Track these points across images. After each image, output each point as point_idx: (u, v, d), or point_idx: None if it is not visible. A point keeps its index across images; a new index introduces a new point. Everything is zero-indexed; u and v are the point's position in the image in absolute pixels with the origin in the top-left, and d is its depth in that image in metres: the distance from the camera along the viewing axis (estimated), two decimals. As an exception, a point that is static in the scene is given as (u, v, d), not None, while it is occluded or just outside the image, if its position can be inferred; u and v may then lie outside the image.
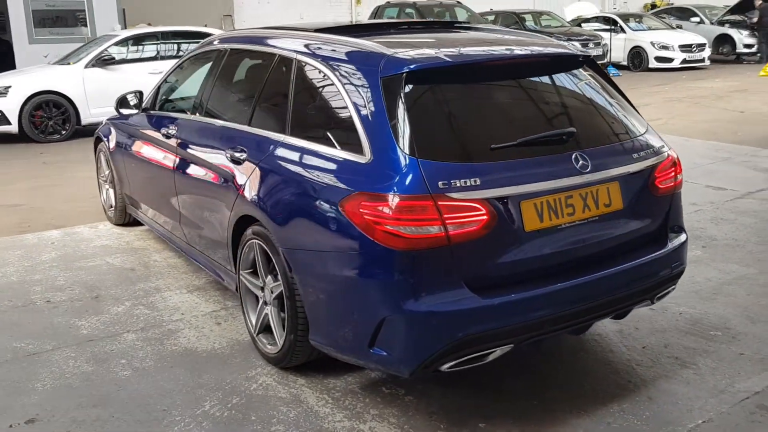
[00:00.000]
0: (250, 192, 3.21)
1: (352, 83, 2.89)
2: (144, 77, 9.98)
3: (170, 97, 4.64)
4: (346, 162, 2.75)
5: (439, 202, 2.50)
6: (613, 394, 2.98)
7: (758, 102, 11.77)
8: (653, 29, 18.88)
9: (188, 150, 3.93)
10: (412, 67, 2.77)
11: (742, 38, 19.45)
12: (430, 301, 2.54)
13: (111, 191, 5.55)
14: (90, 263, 4.77)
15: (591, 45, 17.11)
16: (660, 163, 3.06)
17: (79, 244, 5.18)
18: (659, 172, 3.05)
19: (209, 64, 4.11)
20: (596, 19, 19.89)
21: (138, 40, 10.37)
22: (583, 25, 19.20)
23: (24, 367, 3.33)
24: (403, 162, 2.57)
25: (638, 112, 3.25)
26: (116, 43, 10.07)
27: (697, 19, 20.74)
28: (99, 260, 4.82)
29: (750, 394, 2.94)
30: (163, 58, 10.26)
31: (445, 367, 2.62)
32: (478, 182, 2.56)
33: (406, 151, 2.59)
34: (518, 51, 3.08)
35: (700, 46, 17.81)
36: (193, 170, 3.85)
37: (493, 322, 2.59)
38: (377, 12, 16.60)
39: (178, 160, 4.03)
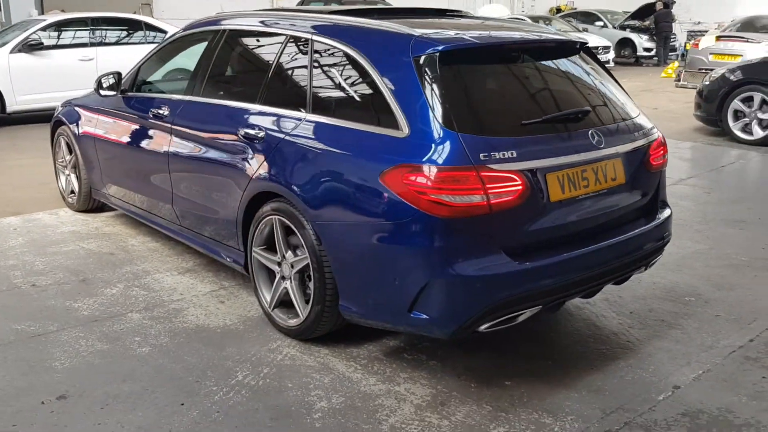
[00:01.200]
0: (271, 169, 3.27)
1: (381, 63, 3.01)
2: (74, 63, 9.65)
3: (154, 79, 4.58)
4: (383, 137, 2.88)
5: (482, 173, 2.68)
6: (616, 352, 3.26)
7: (666, 100, 12.67)
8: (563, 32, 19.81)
9: (186, 131, 3.91)
10: (441, 47, 2.93)
11: (642, 42, 20.78)
12: (472, 265, 2.72)
13: (73, 177, 5.39)
14: (65, 248, 4.64)
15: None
16: (653, 142, 3.37)
17: (45, 230, 5.01)
18: (652, 150, 3.35)
19: (203, 45, 4.10)
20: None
21: (66, 25, 9.95)
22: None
23: (33, 348, 3.26)
24: (444, 136, 2.73)
25: (630, 97, 3.55)
26: (43, 28, 9.63)
27: (600, 23, 21.96)
28: (73, 245, 4.70)
29: (735, 348, 3.29)
30: (93, 44, 9.90)
31: (482, 327, 2.80)
32: (515, 155, 2.76)
33: (445, 125, 2.75)
34: (531, 36, 3.32)
35: (605, 48, 18.84)
36: (193, 151, 3.85)
37: (526, 285, 2.80)
38: (302, 3, 16.57)
39: (173, 141, 4.00)
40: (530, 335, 3.43)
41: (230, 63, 4.03)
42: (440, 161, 2.69)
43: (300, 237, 3.16)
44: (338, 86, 3.27)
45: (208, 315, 3.63)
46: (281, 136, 3.27)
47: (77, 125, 5.12)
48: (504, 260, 2.76)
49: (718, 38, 14.71)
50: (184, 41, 4.42)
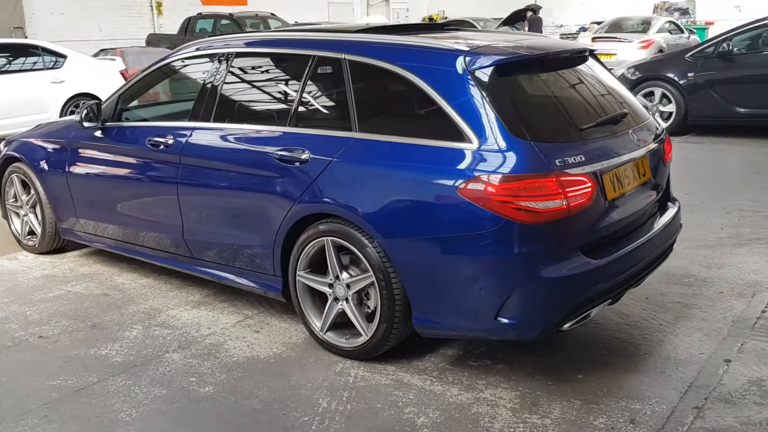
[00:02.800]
0: (321, 191, 3.23)
1: (435, 78, 3.06)
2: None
3: (141, 107, 4.36)
4: (452, 150, 2.93)
5: (561, 178, 2.81)
6: (656, 336, 3.49)
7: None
8: (443, 39, 20.51)
9: (200, 159, 3.76)
10: (495, 60, 3.04)
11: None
12: (557, 267, 2.84)
13: (32, 217, 5.01)
14: (50, 294, 4.30)
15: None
16: (665, 139, 3.65)
17: (15, 277, 4.62)
18: (666, 146, 3.64)
19: (205, 69, 3.97)
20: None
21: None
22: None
23: (86, 403, 3.02)
24: (518, 145, 2.84)
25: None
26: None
27: (476, 29, 22.88)
28: (57, 290, 4.37)
29: (756, 317, 3.63)
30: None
31: (565, 326, 2.94)
32: (583, 159, 2.91)
33: (516, 134, 2.86)
34: (560, 47, 3.50)
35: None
36: (212, 179, 3.71)
37: (601, 281, 2.96)
38: (188, 24, 16.12)
39: (183, 170, 3.83)
40: (567, 334, 3.58)
41: (245, 86, 3.92)
42: (522, 169, 2.79)
43: (362, 256, 3.15)
44: (385, 104, 3.29)
45: (251, 346, 3.52)
46: (329, 157, 3.24)
47: (39, 161, 4.76)
48: (583, 260, 2.90)
49: (594, 39, 15.88)
50: (174, 67, 4.25)
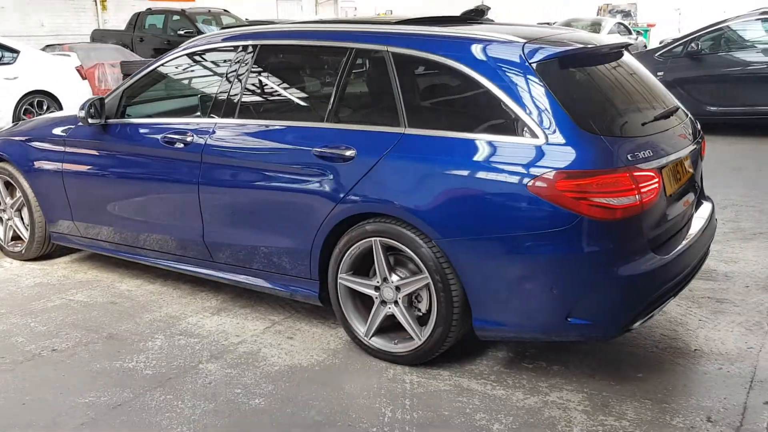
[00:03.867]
0: (370, 189, 3.07)
1: (493, 71, 2.94)
2: None
3: (150, 104, 4.09)
4: (518, 145, 2.82)
5: (634, 173, 2.74)
6: (700, 332, 3.46)
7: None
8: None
9: (225, 157, 3.53)
10: (556, 53, 2.95)
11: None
12: (632, 265, 2.77)
13: (17, 221, 4.66)
14: (51, 304, 4.00)
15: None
16: (701, 134, 3.64)
17: (6, 286, 4.28)
18: (702, 143, 3.63)
19: (224, 63, 3.74)
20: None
21: None
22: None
23: (128, 421, 2.78)
24: (588, 140, 2.75)
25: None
26: None
27: (426, 29, 22.95)
28: (58, 300, 4.06)
29: (790, 311, 3.67)
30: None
31: (636, 325, 2.87)
32: (650, 153, 2.85)
33: (585, 129, 2.77)
34: (605, 40, 3.43)
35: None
36: (240, 178, 3.49)
37: (668, 278, 2.91)
38: (137, 20, 15.53)
39: (205, 169, 3.60)
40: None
41: (274, 80, 3.71)
42: (595, 165, 2.71)
43: (416, 257, 3.01)
44: (436, 98, 3.15)
45: (288, 354, 3.33)
46: (379, 153, 3.08)
47: (28, 160, 4.43)
48: (653, 256, 2.84)
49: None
50: (186, 61, 4.00)
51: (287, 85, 3.74)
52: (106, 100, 4.06)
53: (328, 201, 3.21)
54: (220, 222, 3.64)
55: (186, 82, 4.21)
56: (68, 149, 4.24)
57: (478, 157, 2.89)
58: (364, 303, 3.33)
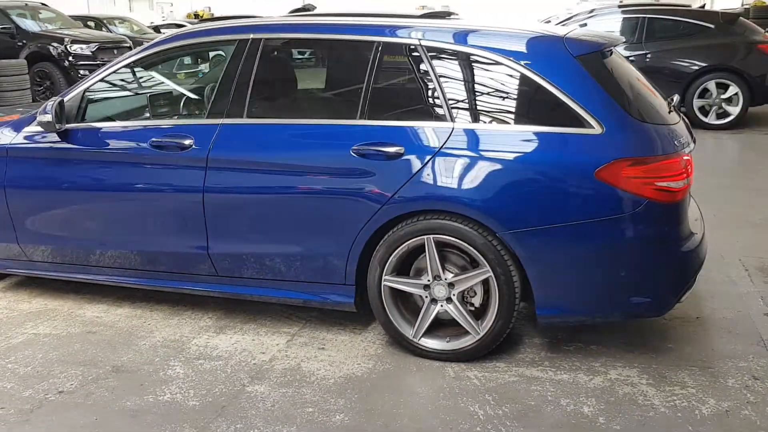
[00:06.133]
0: (429, 186, 2.99)
1: (539, 64, 2.99)
2: None
3: (123, 104, 3.62)
4: (578, 136, 2.90)
5: (683, 158, 2.95)
6: (696, 303, 3.80)
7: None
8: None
9: (243, 161, 3.25)
10: (594, 46, 3.08)
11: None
12: (686, 243, 2.98)
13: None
14: (14, 341, 3.43)
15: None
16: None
17: (-61, 327, 3.59)
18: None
19: (223, 58, 3.43)
20: (169, 26, 19.97)
21: None
22: (163, 31, 19.05)
23: (211, 458, 2.49)
24: (642, 128, 2.91)
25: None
26: None
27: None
28: (18, 336, 3.49)
29: None
30: None
31: (684, 297, 3.08)
32: (684, 140, 3.08)
33: (636, 118, 2.93)
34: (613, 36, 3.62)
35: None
36: (262, 183, 3.23)
37: (703, 254, 3.15)
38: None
39: (213, 175, 3.27)
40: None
41: (287, 77, 3.45)
42: (656, 151, 2.87)
43: (476, 251, 3.00)
44: (481, 92, 3.14)
45: (334, 365, 3.16)
46: (431, 149, 3.01)
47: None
48: (693, 234, 3.08)
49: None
50: (164, 57, 3.60)
51: (304, 82, 3.52)
52: (66, 102, 3.55)
53: (371, 201, 3.08)
54: (232, 232, 3.34)
55: (167, 79, 3.80)
56: (12, 160, 3.65)
57: (541, 148, 2.94)
58: (403, 304, 3.26)
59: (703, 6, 12.54)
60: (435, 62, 3.14)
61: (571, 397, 2.88)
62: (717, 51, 9.35)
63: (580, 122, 2.91)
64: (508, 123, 3.04)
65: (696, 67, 9.29)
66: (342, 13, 3.54)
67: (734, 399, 2.84)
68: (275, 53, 3.43)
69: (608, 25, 9.99)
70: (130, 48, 13.89)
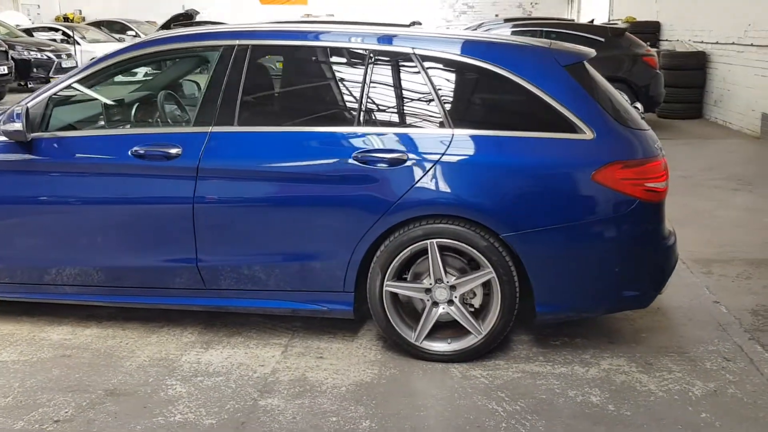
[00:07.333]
0: (433, 190, 3.05)
1: (530, 73, 3.13)
2: None
3: (90, 113, 3.39)
4: (572, 142, 3.06)
5: (664, 161, 3.19)
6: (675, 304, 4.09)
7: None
8: (102, 42, 18.97)
9: (237, 170, 3.16)
10: (580, 57, 3.27)
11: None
12: (667, 239, 3.22)
13: None
14: (-19, 370, 3.14)
15: (64, 56, 16.23)
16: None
17: None
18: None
19: (207, 65, 3.31)
20: (38, 29, 18.74)
21: None
22: (35, 35, 17.82)
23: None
24: (628, 133, 3.13)
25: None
26: None
27: (132, 32, 21.60)
28: (-16, 363, 3.20)
29: None
30: None
31: (664, 289, 3.32)
32: (659, 146, 3.33)
33: (623, 124, 3.15)
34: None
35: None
36: (257, 192, 3.16)
37: (676, 249, 3.42)
38: None
39: (204, 185, 3.16)
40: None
41: (278, 84, 3.37)
42: (645, 154, 3.10)
43: (479, 254, 3.09)
44: (476, 100, 3.24)
45: (339, 373, 3.14)
46: (434, 155, 3.08)
47: None
48: (671, 232, 3.33)
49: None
50: (139, 63, 3.42)
51: (297, 89, 3.45)
52: (30, 109, 3.29)
53: (374, 207, 3.10)
54: (224, 243, 3.25)
55: (141, 86, 3.60)
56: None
57: (539, 153, 3.08)
58: (404, 309, 3.30)
59: (592, 21, 13.44)
60: (431, 71, 3.21)
61: (577, 388, 3.03)
62: (606, 63, 10.04)
63: (573, 128, 3.08)
64: (503, 129, 3.15)
65: (589, 78, 9.93)
66: (332, 21, 3.53)
67: (717, 380, 3.10)
68: (260, 60, 3.36)
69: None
70: (5, 52, 12.95)
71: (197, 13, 22.13)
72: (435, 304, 3.21)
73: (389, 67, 3.28)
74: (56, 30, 18.53)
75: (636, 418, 2.79)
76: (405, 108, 3.28)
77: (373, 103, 3.24)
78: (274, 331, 3.56)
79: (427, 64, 3.21)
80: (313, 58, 3.39)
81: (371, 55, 3.25)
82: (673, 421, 2.78)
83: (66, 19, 25.28)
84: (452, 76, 3.25)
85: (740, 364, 3.25)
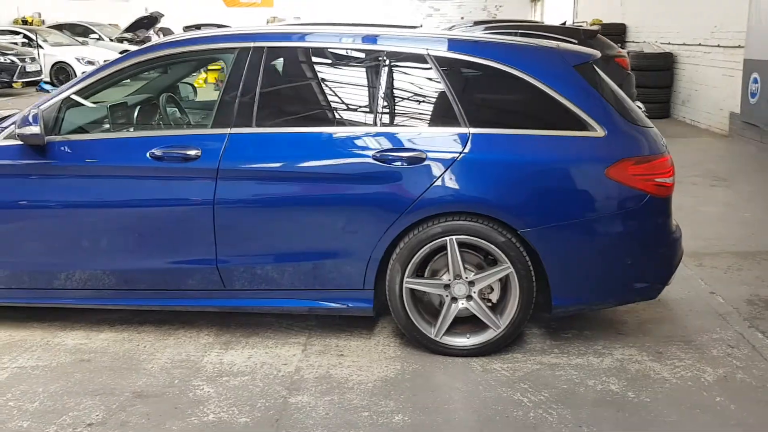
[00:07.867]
0: (453, 188, 3.13)
1: (542, 73, 3.23)
2: None
3: (111, 115, 3.38)
4: (585, 139, 3.17)
5: (670, 157, 3.32)
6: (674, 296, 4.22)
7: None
8: (66, 45, 18.64)
9: (259, 170, 3.20)
10: (589, 58, 3.38)
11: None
12: (674, 231, 3.36)
13: None
14: (1, 377, 3.10)
15: (28, 60, 15.92)
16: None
17: None
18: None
19: (222, 67, 3.33)
20: (3, 32, 18.33)
21: None
22: (-3, 39, 17.43)
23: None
24: (637, 130, 3.25)
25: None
26: None
27: (96, 36, 21.24)
28: (3, 372, 3.16)
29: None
30: None
31: (672, 280, 3.45)
32: (664, 142, 3.46)
33: (630, 122, 3.27)
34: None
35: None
36: (279, 192, 3.21)
37: (682, 243, 3.56)
38: None
39: (226, 186, 3.18)
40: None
41: (296, 86, 3.40)
42: (653, 151, 3.22)
43: (497, 249, 3.17)
44: (490, 99, 3.32)
45: (363, 369, 3.19)
46: (452, 154, 3.15)
47: None
48: (677, 226, 3.46)
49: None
50: (155, 65, 3.43)
51: (314, 90, 3.49)
52: (44, 113, 3.27)
53: (394, 206, 3.16)
54: (245, 243, 3.27)
55: (156, 88, 3.59)
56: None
57: (554, 151, 3.18)
58: (421, 305, 3.36)
59: (564, 23, 13.71)
60: (446, 72, 3.28)
61: (595, 378, 3.13)
62: (579, 64, 10.30)
63: (584, 126, 3.19)
64: (519, 128, 3.24)
65: (564, 78, 10.14)
66: (344, 23, 3.58)
67: (726, 366, 3.24)
68: (269, 64, 3.40)
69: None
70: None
71: (162, 15, 21.85)
72: (454, 299, 3.28)
73: (406, 69, 3.35)
74: (17, 33, 18.13)
75: (656, 404, 2.91)
76: (422, 108, 3.36)
77: (391, 103, 3.31)
78: (290, 330, 3.59)
79: (442, 65, 3.29)
80: (329, 60, 3.45)
81: (387, 57, 3.32)
82: (691, 405, 2.90)
83: (24, 22, 24.74)
84: (467, 77, 3.34)
85: (744, 350, 3.39)
